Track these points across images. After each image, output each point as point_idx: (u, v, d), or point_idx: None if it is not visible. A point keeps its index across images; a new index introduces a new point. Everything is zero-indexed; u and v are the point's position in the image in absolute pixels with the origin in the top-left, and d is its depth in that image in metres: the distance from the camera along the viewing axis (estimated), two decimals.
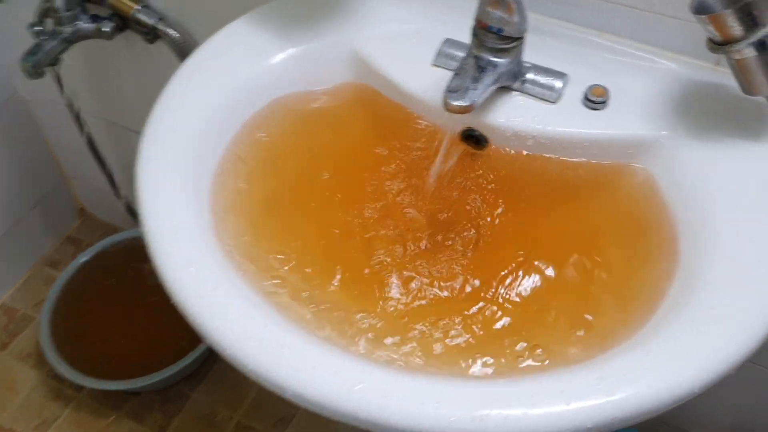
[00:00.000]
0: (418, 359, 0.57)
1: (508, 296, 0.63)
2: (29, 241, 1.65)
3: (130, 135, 1.34)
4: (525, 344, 0.59)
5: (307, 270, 0.64)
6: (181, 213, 0.63)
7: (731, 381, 1.07)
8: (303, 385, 0.52)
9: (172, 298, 0.58)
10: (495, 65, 0.66)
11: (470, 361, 0.57)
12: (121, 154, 1.40)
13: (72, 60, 1.20)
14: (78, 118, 1.22)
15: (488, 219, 0.69)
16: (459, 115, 0.65)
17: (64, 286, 1.49)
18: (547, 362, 0.57)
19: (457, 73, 0.66)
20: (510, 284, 0.64)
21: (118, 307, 1.48)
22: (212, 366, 1.46)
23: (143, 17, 1.03)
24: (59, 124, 1.45)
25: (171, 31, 1.03)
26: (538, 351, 0.58)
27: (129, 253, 1.53)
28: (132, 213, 1.44)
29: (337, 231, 0.68)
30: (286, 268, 0.64)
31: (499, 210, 0.69)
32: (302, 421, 1.39)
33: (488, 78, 0.66)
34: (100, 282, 1.51)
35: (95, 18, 1.05)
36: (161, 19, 1.03)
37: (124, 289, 1.49)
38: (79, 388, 1.45)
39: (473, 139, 0.70)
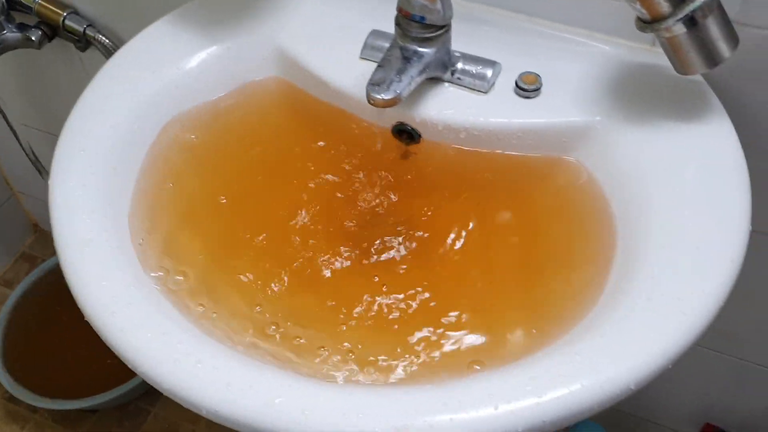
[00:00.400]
0: (340, 368, 0.55)
1: (438, 295, 0.60)
2: None
3: None
4: (457, 346, 0.56)
5: (226, 283, 0.61)
6: (95, 225, 0.60)
7: (693, 370, 1.06)
8: (218, 402, 0.49)
9: (84, 313, 0.55)
10: (421, 55, 0.63)
11: (398, 364, 0.55)
12: None
13: (4, 71, 1.16)
14: (13, 131, 1.18)
15: (421, 216, 0.66)
16: (385, 108, 0.62)
17: (15, 305, 1.45)
18: (479, 365, 0.54)
19: (381, 65, 0.63)
20: (441, 282, 0.61)
21: (73, 324, 1.43)
22: None
23: (72, 24, 0.99)
24: (1, 138, 1.41)
25: (101, 37, 0.99)
26: (471, 353, 0.55)
27: None
28: None
29: (260, 237, 0.65)
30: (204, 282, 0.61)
31: (433, 206, 0.66)
32: None
33: (414, 69, 0.63)
34: (53, 299, 1.47)
35: (22, 27, 1.01)
36: (90, 25, 0.99)
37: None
38: (35, 409, 1.40)
39: (406, 134, 0.67)
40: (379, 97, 0.61)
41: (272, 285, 0.61)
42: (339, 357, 0.55)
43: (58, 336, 1.42)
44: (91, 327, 1.35)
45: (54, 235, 0.59)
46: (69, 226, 0.60)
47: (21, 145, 1.22)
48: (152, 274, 0.59)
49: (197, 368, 0.50)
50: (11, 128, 1.19)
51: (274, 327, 0.58)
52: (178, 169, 0.67)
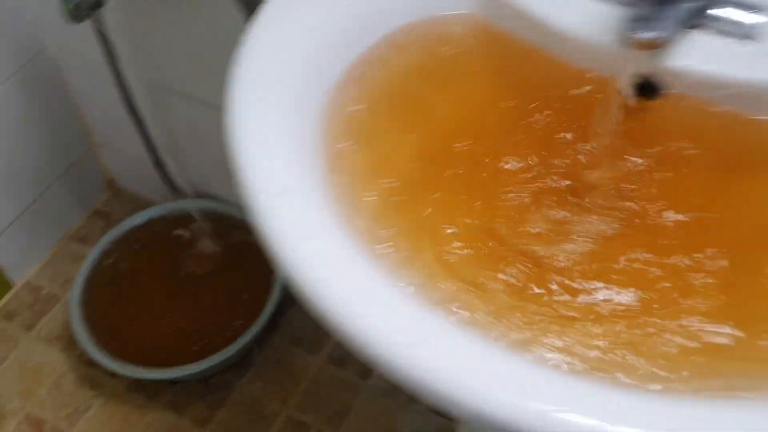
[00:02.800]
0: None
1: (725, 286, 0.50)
2: (54, 215, 1.51)
3: (175, 99, 1.20)
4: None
5: (437, 240, 0.51)
6: (289, 171, 0.50)
7: None
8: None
9: (284, 273, 0.45)
10: None
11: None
12: (164, 120, 1.27)
13: (110, 12, 1.06)
14: (119, 75, 1.08)
15: (683, 191, 0.55)
16: (640, 52, 0.51)
17: (95, 264, 1.36)
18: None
19: (631, 3, 0.52)
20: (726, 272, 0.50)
21: (157, 289, 1.35)
22: (261, 353, 1.33)
23: None
24: (92, 85, 1.32)
25: None
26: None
27: (168, 228, 1.40)
28: (173, 187, 1.31)
29: (478, 202, 0.55)
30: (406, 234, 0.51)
31: (684, 181, 0.55)
32: (360, 414, 1.25)
33: (672, 10, 0.52)
34: (136, 260, 1.38)
35: None
36: None
37: (164, 270, 1.36)
38: (113, 376, 1.32)
39: (645, 89, 0.56)
40: (644, 36, 0.50)
41: (494, 247, 0.51)
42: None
43: (141, 301, 1.34)
44: (176, 293, 1.24)
45: (243, 185, 0.49)
46: (261, 174, 0.50)
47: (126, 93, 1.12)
48: (363, 237, 0.49)
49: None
50: (118, 74, 1.09)
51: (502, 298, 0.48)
52: (372, 111, 0.57)
